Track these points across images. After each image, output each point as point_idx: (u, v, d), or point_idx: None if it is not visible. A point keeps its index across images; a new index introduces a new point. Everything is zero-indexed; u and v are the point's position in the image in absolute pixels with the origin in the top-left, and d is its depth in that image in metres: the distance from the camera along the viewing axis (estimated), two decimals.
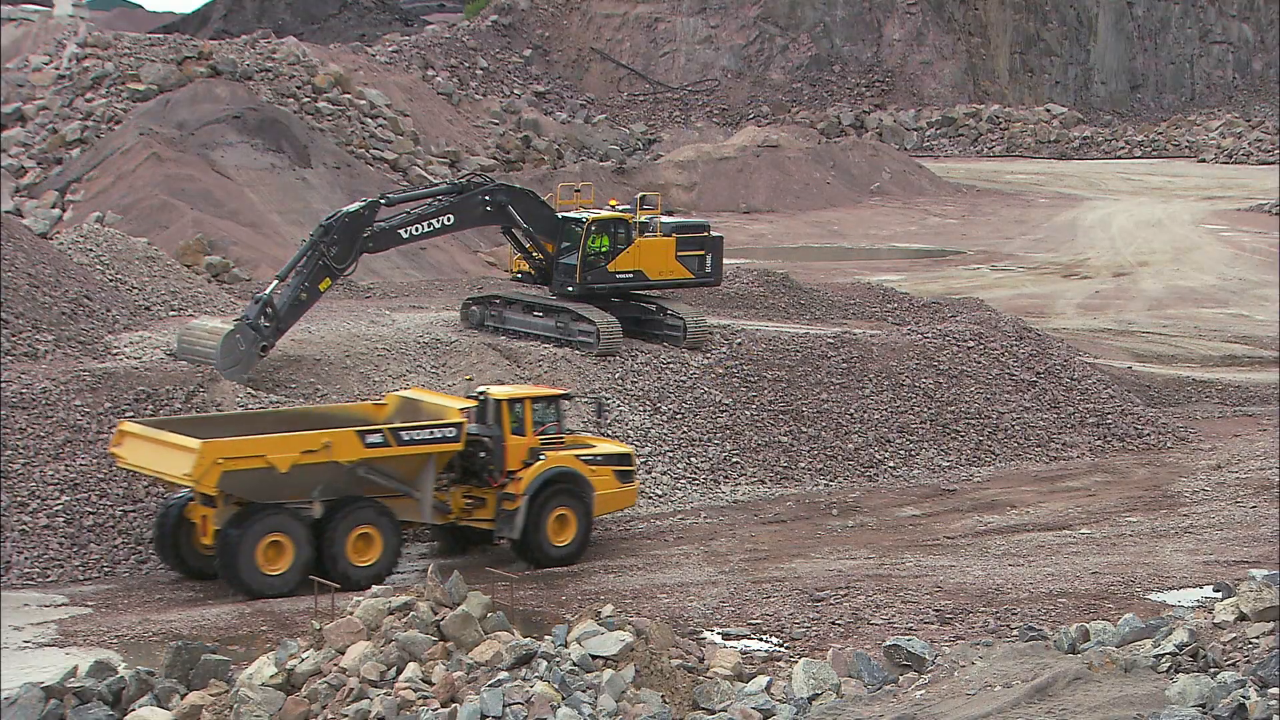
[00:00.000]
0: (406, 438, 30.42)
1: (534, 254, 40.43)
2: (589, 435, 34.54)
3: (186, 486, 29.38)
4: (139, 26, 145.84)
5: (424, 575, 24.65)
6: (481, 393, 32.48)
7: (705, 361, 39.88)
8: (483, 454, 31.55)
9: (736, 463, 37.40)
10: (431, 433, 30.73)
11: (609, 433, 36.04)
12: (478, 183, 40.74)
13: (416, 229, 38.24)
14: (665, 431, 37.56)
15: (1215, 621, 18.92)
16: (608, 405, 36.96)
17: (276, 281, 36.91)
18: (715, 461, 37.45)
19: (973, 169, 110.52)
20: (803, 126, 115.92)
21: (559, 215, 40.62)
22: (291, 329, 36.88)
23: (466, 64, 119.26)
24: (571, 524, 31.82)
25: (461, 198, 39.01)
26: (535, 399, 32.43)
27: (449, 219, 38.75)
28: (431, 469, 30.95)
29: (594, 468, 32.29)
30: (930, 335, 43.41)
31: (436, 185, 44.87)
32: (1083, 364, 45.24)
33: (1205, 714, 16.21)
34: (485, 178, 44.24)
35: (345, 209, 37.56)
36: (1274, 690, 16.34)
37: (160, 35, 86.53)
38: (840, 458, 38.56)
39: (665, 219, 41.85)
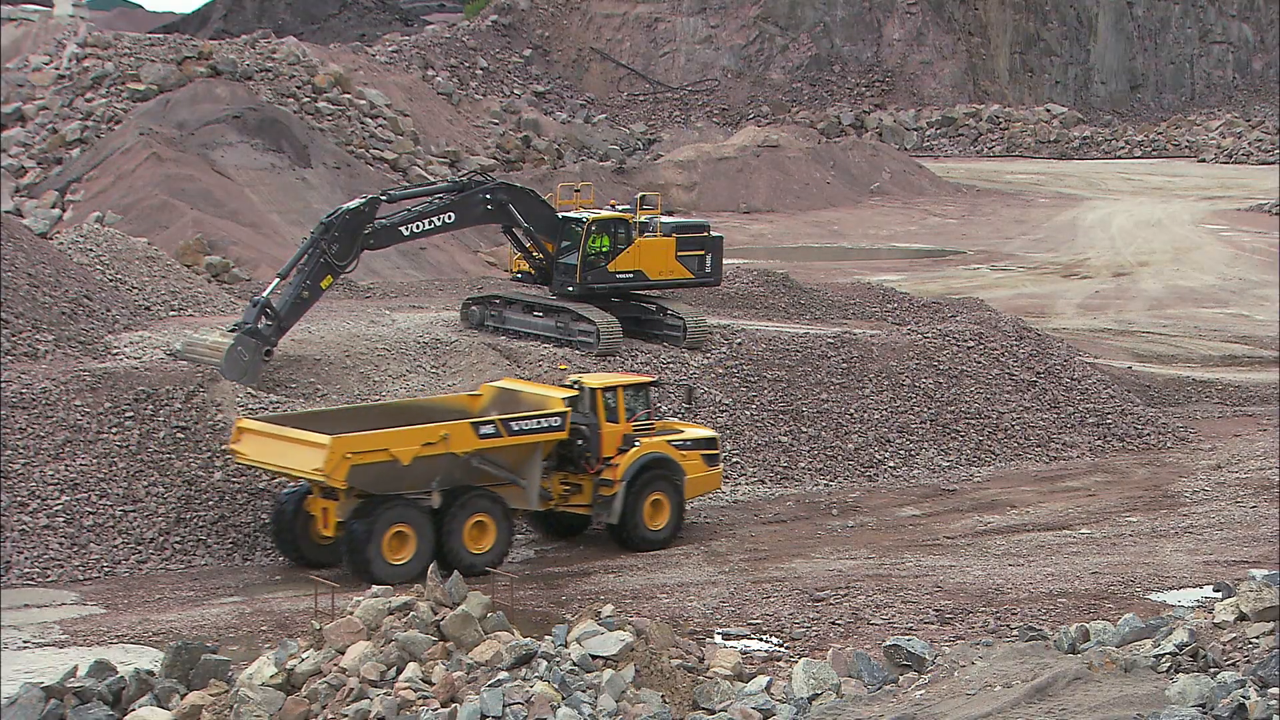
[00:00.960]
0: (516, 428, 31.30)
1: (534, 254, 40.43)
2: (675, 420, 35.34)
3: (316, 480, 29.94)
4: (139, 26, 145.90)
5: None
6: (576, 382, 33.27)
7: (705, 361, 39.88)
8: (579, 442, 32.34)
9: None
10: (539, 422, 31.60)
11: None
12: (478, 181, 40.76)
13: (417, 226, 38.30)
14: None
15: (1215, 621, 18.92)
16: (697, 392, 37.54)
17: (277, 280, 36.91)
18: None
19: (973, 169, 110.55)
20: (803, 126, 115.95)
21: (559, 215, 40.63)
22: (292, 328, 36.88)
23: (466, 64, 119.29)
24: (665, 508, 32.79)
25: (462, 196, 39.05)
26: (628, 387, 33.32)
27: (450, 217, 38.79)
28: (539, 457, 31.83)
29: (684, 452, 33.24)
30: (930, 335, 43.41)
31: (437, 184, 44.92)
32: (1083, 364, 45.24)
33: (1205, 714, 16.20)
34: (486, 176, 44.33)
35: (345, 206, 37.59)
36: (1274, 690, 16.34)
37: (160, 35, 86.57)
38: (840, 458, 38.56)
39: (665, 219, 41.85)
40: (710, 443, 34.08)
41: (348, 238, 36.65)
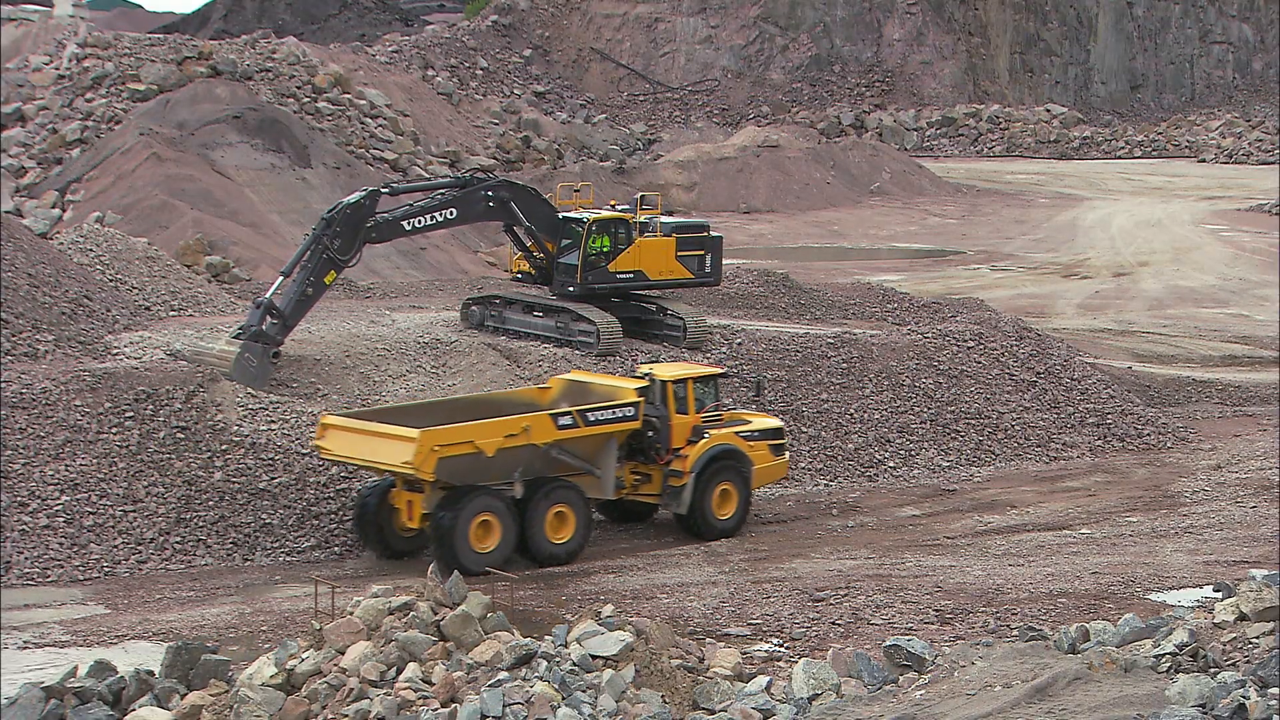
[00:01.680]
0: (593, 418, 31.90)
1: (535, 253, 40.42)
2: (742, 411, 35.96)
3: (404, 473, 30.46)
4: (139, 26, 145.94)
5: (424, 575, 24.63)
6: (647, 374, 33.92)
7: (704, 362, 39.85)
8: (650, 432, 32.92)
9: None
10: (614, 413, 32.21)
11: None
12: (480, 178, 40.79)
13: (419, 221, 38.40)
14: None
15: (1215, 621, 18.92)
16: (766, 384, 37.99)
17: (280, 279, 36.90)
18: None
19: (973, 169, 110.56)
20: (803, 126, 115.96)
21: (560, 215, 40.62)
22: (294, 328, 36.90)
23: (466, 64, 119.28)
24: (733, 497, 33.46)
25: (464, 192, 39.10)
26: (697, 378, 33.96)
27: (451, 213, 38.86)
28: (614, 447, 32.42)
29: (751, 443, 33.82)
30: (930, 335, 43.41)
31: (439, 179, 44.97)
32: (1083, 364, 45.24)
33: (1205, 714, 16.20)
34: (488, 173, 44.40)
35: (345, 200, 37.59)
36: (1274, 690, 16.34)
37: (160, 35, 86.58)
38: (840, 458, 38.57)
39: (665, 219, 41.85)
40: (777, 433, 34.65)
41: (349, 232, 36.67)
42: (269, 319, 35.91)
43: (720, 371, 35.43)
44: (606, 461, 32.40)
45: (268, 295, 36.46)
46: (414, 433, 30.08)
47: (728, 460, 33.35)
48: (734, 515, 33.49)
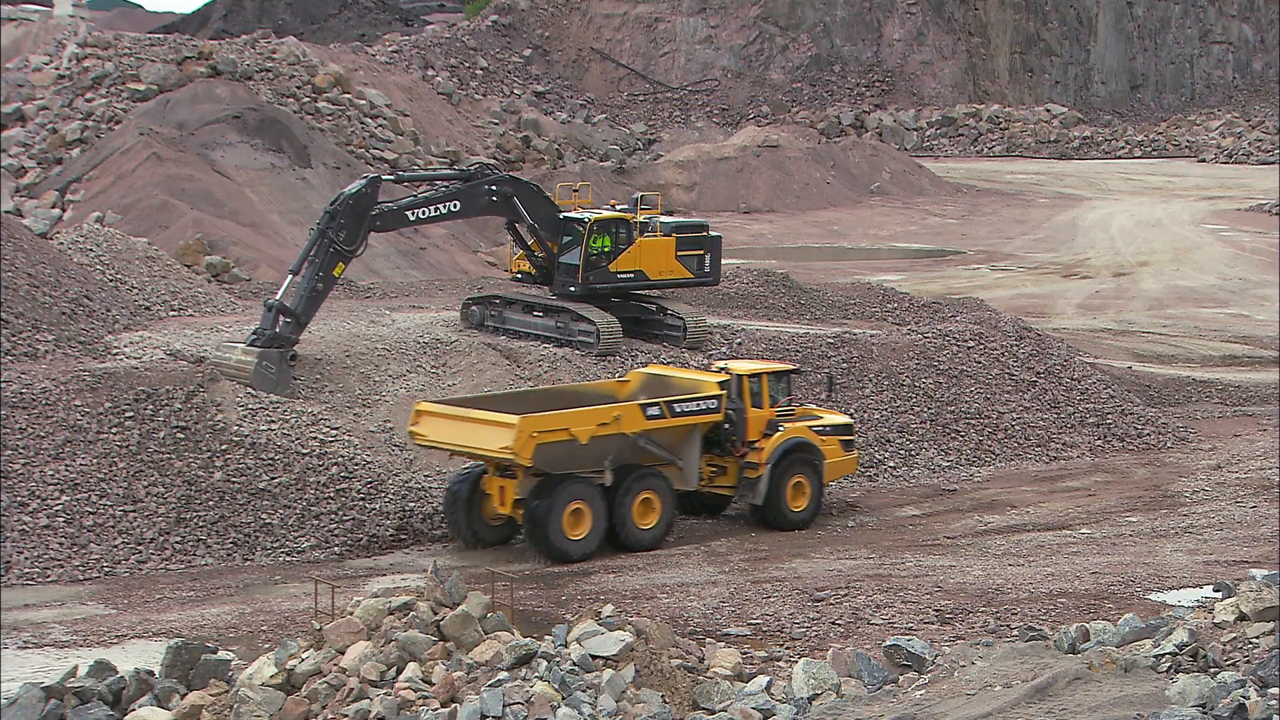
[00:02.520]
0: (679, 410, 32.80)
1: (536, 251, 40.39)
2: (814, 406, 36.68)
3: (502, 459, 31.14)
4: (139, 26, 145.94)
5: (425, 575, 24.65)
6: (723, 368, 34.84)
7: (705, 361, 39.86)
8: (726, 425, 33.73)
9: None
10: (698, 405, 33.09)
11: None
12: (484, 173, 40.86)
13: (423, 212, 38.58)
14: None
15: (1215, 621, 18.92)
16: (838, 380, 38.79)
17: (290, 278, 36.82)
18: None
19: (973, 169, 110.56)
20: (803, 126, 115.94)
21: (561, 215, 40.62)
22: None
23: (466, 64, 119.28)
24: (806, 490, 34.31)
25: (468, 185, 39.21)
26: (772, 374, 34.89)
27: (455, 205, 38.97)
28: (697, 438, 33.31)
29: (824, 437, 34.70)
30: (930, 335, 43.41)
31: (444, 170, 45.01)
32: (1083, 364, 45.24)
33: (1205, 714, 16.20)
34: (492, 168, 44.43)
35: (346, 191, 37.51)
36: (1274, 690, 16.34)
37: (160, 35, 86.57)
38: None
39: (664, 219, 41.87)
40: (847, 429, 35.51)
41: (354, 222, 36.70)
42: (282, 319, 35.92)
43: (794, 367, 36.44)
44: (689, 452, 33.32)
45: (277, 297, 36.45)
46: (514, 419, 30.79)
47: (801, 453, 34.21)
48: (807, 507, 34.37)
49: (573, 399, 33.57)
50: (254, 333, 36.25)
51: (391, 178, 39.45)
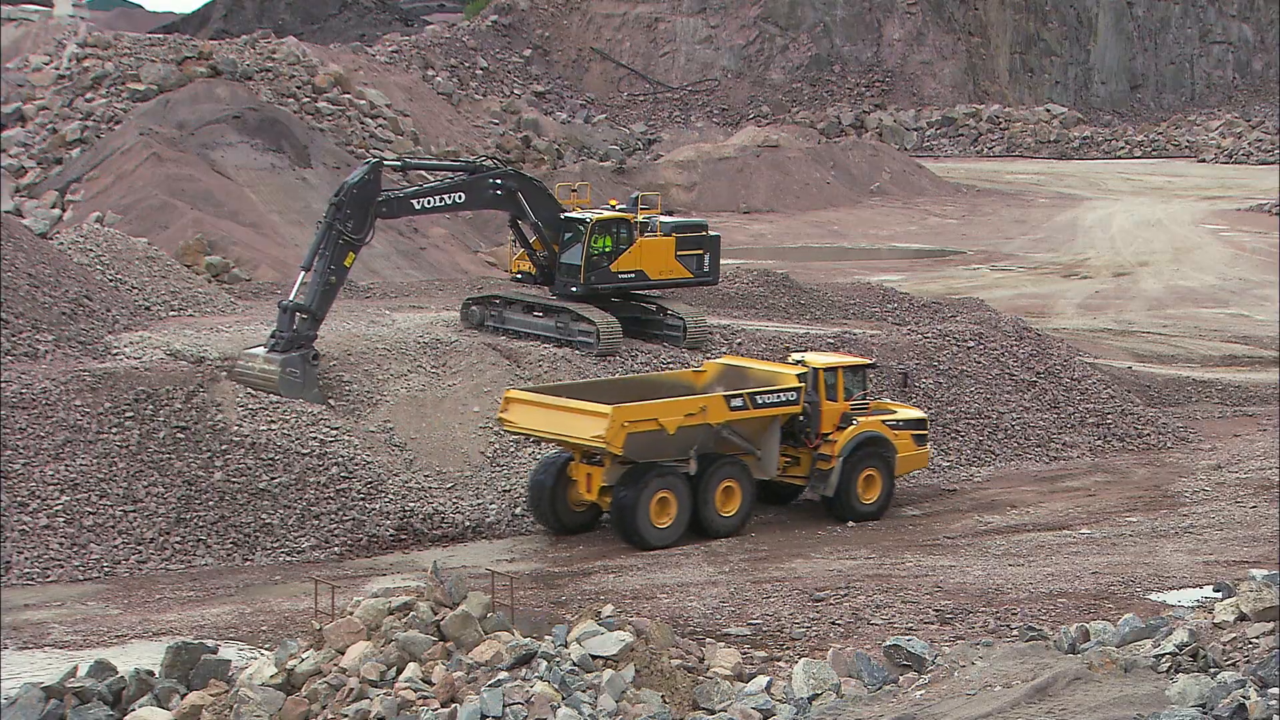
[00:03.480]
0: (760, 401, 33.57)
1: (538, 250, 40.37)
2: (889, 401, 37.48)
3: (594, 447, 31.99)
4: (139, 26, 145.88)
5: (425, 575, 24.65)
6: (800, 360, 35.50)
7: (705, 355, 39.85)
8: (801, 417, 34.39)
9: None
10: (779, 397, 33.89)
11: None
12: (489, 167, 40.98)
13: (428, 202, 38.75)
14: None
15: (1215, 621, 18.92)
16: (914, 376, 39.51)
17: (301, 275, 36.77)
18: None
19: (973, 169, 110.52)
20: (803, 126, 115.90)
21: (563, 215, 40.63)
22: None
23: (466, 64, 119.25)
24: (878, 483, 34.99)
25: (474, 178, 39.41)
26: (847, 368, 35.62)
27: (460, 196, 39.12)
28: (776, 429, 34.10)
29: (896, 431, 35.36)
30: (930, 335, 43.40)
31: (448, 161, 45.15)
32: (1083, 364, 45.23)
33: (1205, 714, 16.20)
34: (497, 163, 44.59)
35: (349, 181, 37.45)
36: (1274, 690, 16.33)
37: (160, 35, 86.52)
38: None
39: (664, 218, 41.89)
40: (920, 423, 36.12)
41: (360, 211, 36.74)
42: (296, 322, 35.90)
43: (869, 362, 37.11)
44: (768, 442, 34.04)
45: (290, 298, 36.42)
46: (607, 409, 31.64)
47: (874, 447, 34.83)
48: (878, 500, 34.98)
49: (651, 389, 34.51)
50: (271, 337, 36.18)
51: (399, 164, 39.72)
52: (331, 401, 35.99)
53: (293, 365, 35.57)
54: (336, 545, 32.71)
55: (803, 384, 34.26)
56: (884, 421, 35.35)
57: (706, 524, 32.91)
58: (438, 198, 38.76)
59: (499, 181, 39.40)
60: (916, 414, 36.54)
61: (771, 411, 33.83)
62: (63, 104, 66.38)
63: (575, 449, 32.82)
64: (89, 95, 66.28)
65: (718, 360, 36.75)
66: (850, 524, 34.37)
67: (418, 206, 38.74)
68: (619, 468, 32.40)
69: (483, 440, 36.09)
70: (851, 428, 34.74)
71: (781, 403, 33.90)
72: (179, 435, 33.60)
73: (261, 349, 36.09)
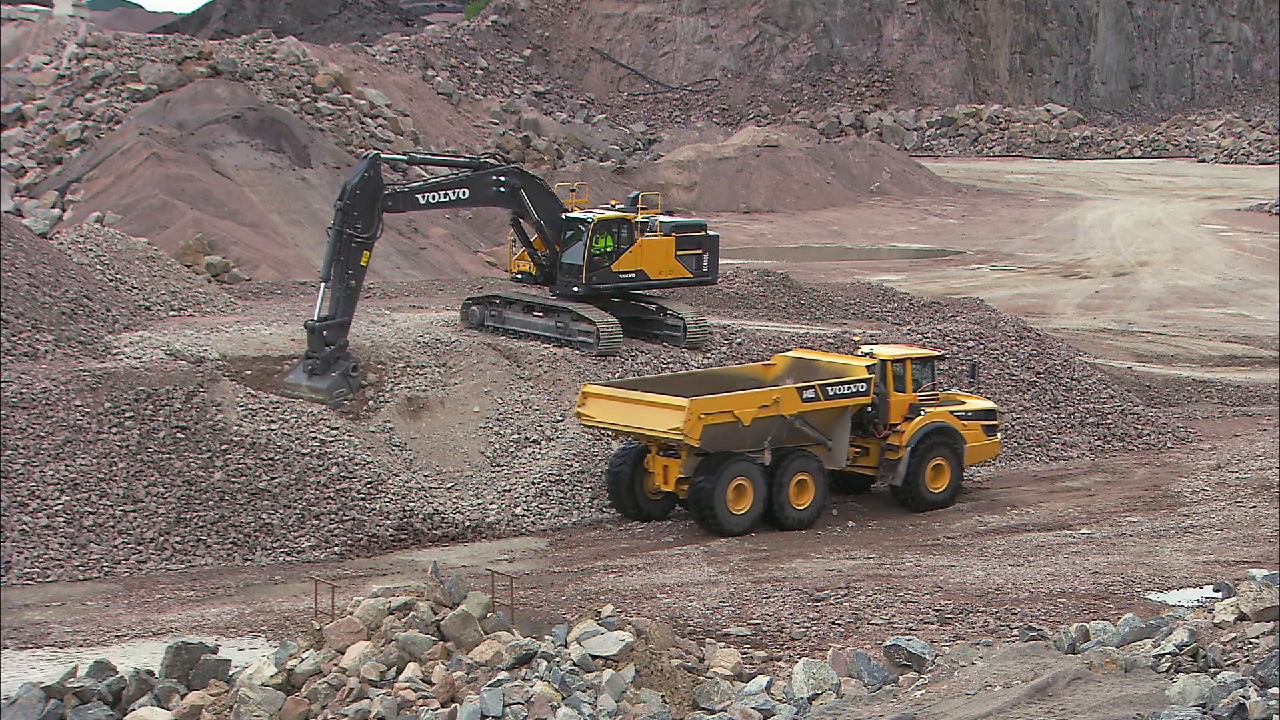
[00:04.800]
0: (832, 392, 34.41)
1: (539, 250, 40.35)
2: (958, 392, 38.02)
3: (671, 439, 32.87)
4: (139, 26, 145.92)
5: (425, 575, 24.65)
6: (868, 352, 36.24)
7: (705, 361, 39.87)
8: (869, 408, 35.18)
9: None
10: (850, 388, 34.69)
11: None
12: (493, 164, 41.09)
13: (433, 197, 38.95)
14: None
15: (1215, 621, 18.92)
16: (981, 366, 39.94)
17: (323, 286, 36.69)
18: None
19: (973, 169, 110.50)
20: (803, 126, 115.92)
21: (565, 215, 40.62)
22: (292, 326, 36.90)
23: (466, 64, 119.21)
24: (946, 473, 35.80)
25: (478, 174, 39.52)
26: (915, 359, 36.30)
27: (464, 193, 39.22)
28: (847, 420, 34.94)
29: (965, 422, 36.12)
30: (930, 335, 43.39)
31: (451, 158, 45.31)
32: (1083, 364, 45.21)
33: (1205, 714, 16.20)
34: (501, 160, 44.77)
35: (349, 182, 37.31)
36: (1274, 690, 16.33)
37: (160, 35, 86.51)
38: None
39: (663, 218, 41.90)
40: (990, 414, 36.85)
41: (367, 209, 36.77)
42: (326, 337, 35.96)
43: (937, 354, 37.67)
44: (839, 433, 34.85)
45: (315, 316, 36.44)
46: (684, 401, 32.51)
47: (942, 437, 35.55)
48: (946, 489, 35.77)
49: (723, 382, 35.25)
50: (306, 358, 36.26)
51: (404, 158, 40.10)
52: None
53: (339, 388, 36.02)
54: (336, 545, 32.71)
55: (873, 376, 34.93)
56: (953, 412, 36.05)
57: (781, 517, 33.69)
58: (442, 193, 38.95)
59: (502, 179, 39.46)
60: (986, 405, 37.22)
61: (842, 403, 34.60)
62: (63, 104, 66.36)
63: (652, 441, 33.69)
64: (89, 95, 66.25)
65: (787, 353, 37.44)
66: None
67: (423, 201, 38.87)
68: (695, 459, 33.30)
69: (483, 440, 36.11)
70: (919, 418, 35.43)
71: (852, 394, 34.65)
72: (179, 435, 33.61)
73: (303, 376, 36.17)
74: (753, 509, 33.44)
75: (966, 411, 36.38)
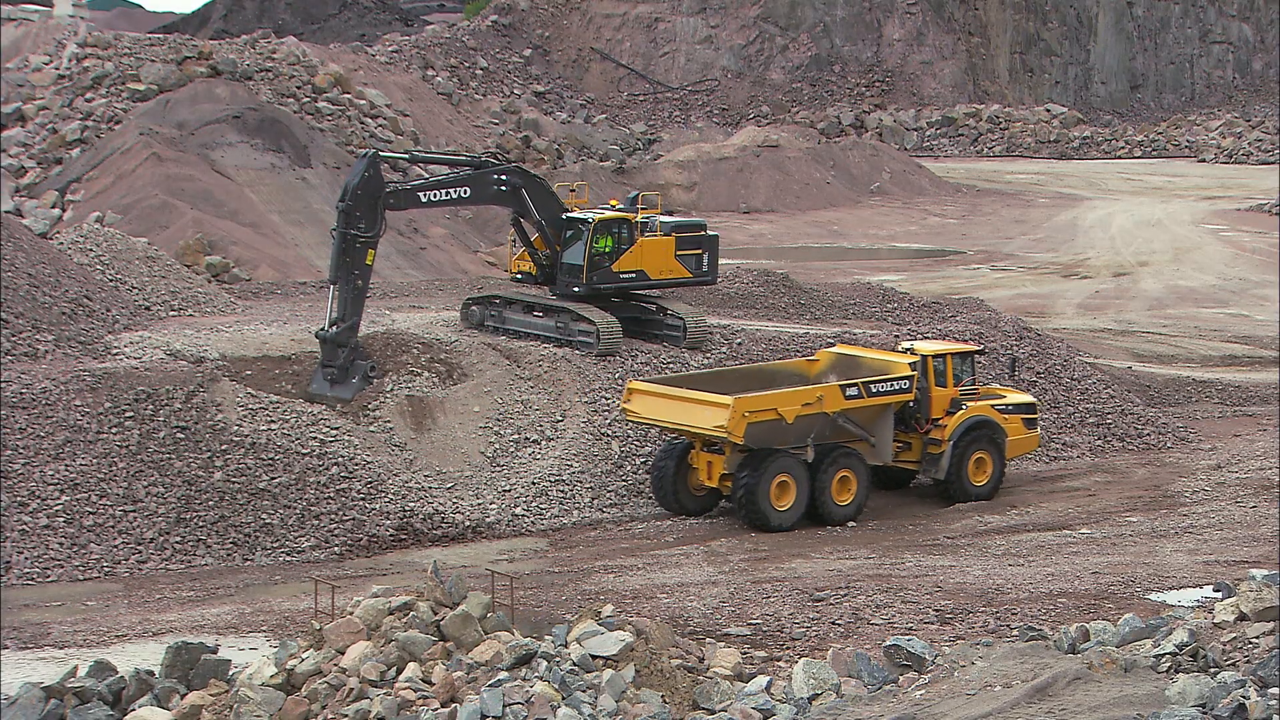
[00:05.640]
0: (875, 389, 34.86)
1: (540, 249, 40.34)
2: (997, 386, 38.64)
3: (716, 436, 33.31)
4: (139, 26, 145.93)
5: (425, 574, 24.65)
6: (909, 348, 36.76)
7: (705, 361, 39.87)
8: (911, 403, 35.61)
9: None
10: (892, 385, 35.12)
11: None
12: (494, 162, 41.14)
13: (435, 195, 39.08)
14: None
15: (1215, 621, 18.92)
16: (1021, 361, 40.38)
17: (331, 290, 36.72)
18: None
19: (973, 169, 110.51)
20: (803, 126, 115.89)
21: (565, 215, 40.62)
22: (292, 326, 36.89)
23: (466, 64, 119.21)
24: (988, 466, 36.33)
25: (479, 172, 39.59)
26: (956, 354, 36.87)
27: (465, 191, 39.28)
28: (890, 416, 35.35)
29: (1006, 416, 36.65)
30: (930, 335, 43.37)
31: (453, 156, 45.41)
32: (1083, 364, 45.22)
33: (1205, 714, 16.20)
34: (502, 159, 44.84)
35: (351, 181, 37.27)
36: (1274, 690, 16.33)
37: (160, 35, 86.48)
38: None
39: (663, 218, 41.90)
40: (1030, 408, 37.37)
41: (369, 209, 36.80)
42: (340, 342, 36.09)
43: (977, 349, 38.31)
44: (882, 430, 35.26)
45: (325, 325, 36.52)
46: (728, 399, 32.93)
47: (983, 430, 36.09)
48: (989, 482, 36.28)
49: (767, 378, 35.76)
50: (322, 367, 36.42)
51: (404, 156, 40.19)
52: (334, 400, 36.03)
53: (363, 392, 36.27)
54: (336, 545, 32.71)
55: (915, 373, 35.34)
56: (993, 406, 36.56)
57: (824, 513, 34.09)
58: (443, 191, 39.04)
59: (504, 177, 39.48)
60: (1025, 398, 37.73)
61: (885, 400, 34.98)
62: (63, 104, 66.37)
63: (697, 437, 34.10)
64: (89, 95, 66.27)
65: (830, 349, 37.81)
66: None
67: (424, 199, 38.97)
68: (738, 455, 33.70)
69: (483, 440, 36.11)
70: (961, 412, 35.95)
71: (895, 391, 35.04)
72: (179, 435, 33.61)
73: (325, 385, 36.38)
74: (796, 505, 33.82)
75: (1007, 405, 36.92)
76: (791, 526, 33.66)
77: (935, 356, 36.27)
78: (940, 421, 35.93)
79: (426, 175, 42.43)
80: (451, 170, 40.52)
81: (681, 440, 34.83)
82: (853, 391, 34.51)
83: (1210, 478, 37.97)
